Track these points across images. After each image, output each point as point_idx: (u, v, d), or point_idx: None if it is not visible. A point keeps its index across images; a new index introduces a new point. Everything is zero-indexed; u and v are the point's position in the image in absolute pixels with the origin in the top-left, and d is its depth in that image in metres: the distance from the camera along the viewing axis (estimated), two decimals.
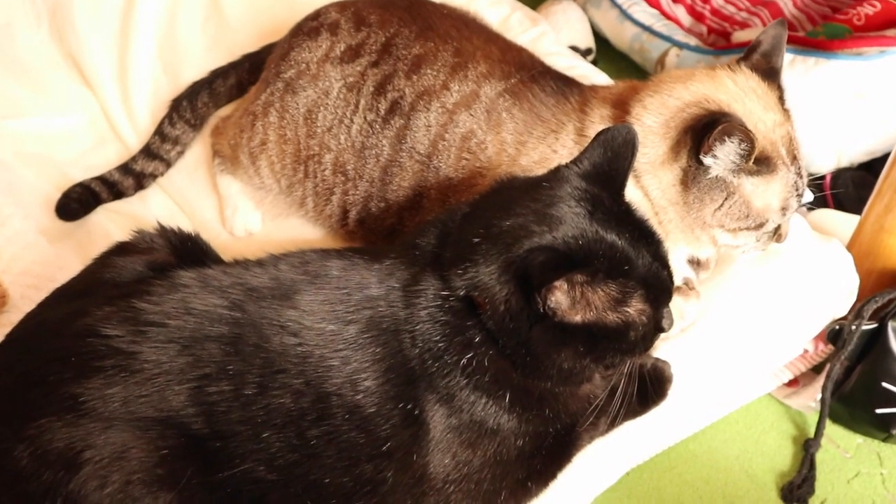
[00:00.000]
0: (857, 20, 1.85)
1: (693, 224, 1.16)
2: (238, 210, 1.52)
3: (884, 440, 1.43)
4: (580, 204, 0.96)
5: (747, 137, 1.07)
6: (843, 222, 1.52)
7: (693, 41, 1.98)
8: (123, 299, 1.00)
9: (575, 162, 1.01)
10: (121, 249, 1.17)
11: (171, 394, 0.93)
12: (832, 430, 1.45)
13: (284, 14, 1.60)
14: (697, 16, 2.12)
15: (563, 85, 1.29)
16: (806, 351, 1.45)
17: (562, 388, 1.02)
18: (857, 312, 1.35)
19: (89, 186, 1.57)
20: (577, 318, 0.93)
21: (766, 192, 1.13)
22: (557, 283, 0.90)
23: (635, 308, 0.95)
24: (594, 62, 2.06)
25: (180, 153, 1.65)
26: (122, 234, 1.22)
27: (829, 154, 1.73)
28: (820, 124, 1.69)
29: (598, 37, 2.15)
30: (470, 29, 1.39)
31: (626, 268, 0.93)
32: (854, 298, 1.38)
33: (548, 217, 0.94)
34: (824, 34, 1.84)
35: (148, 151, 1.63)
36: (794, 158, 1.16)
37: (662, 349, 1.24)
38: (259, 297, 0.99)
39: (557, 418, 1.03)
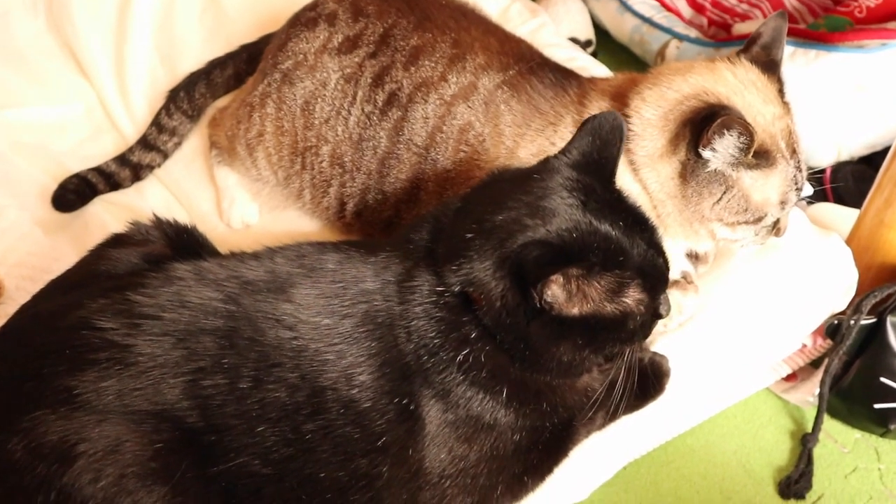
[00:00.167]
0: (858, 12, 1.84)
1: (691, 218, 1.15)
2: (235, 202, 1.51)
3: (882, 435, 1.43)
4: (572, 194, 0.95)
5: (746, 131, 1.07)
6: (842, 216, 1.51)
7: (693, 33, 1.97)
8: (118, 291, 0.99)
9: (564, 152, 1.00)
10: (116, 241, 1.16)
11: (166, 387, 0.92)
12: (830, 424, 1.45)
13: (283, 4, 1.59)
14: (698, 7, 2.11)
15: (562, 77, 1.28)
16: (804, 345, 1.44)
17: (561, 380, 1.01)
18: (855, 307, 1.34)
19: (86, 177, 1.56)
20: (575, 311, 0.92)
21: (764, 186, 1.13)
22: (553, 278, 0.89)
23: (632, 298, 0.94)
24: (594, 54, 2.05)
25: (177, 144, 1.64)
26: (118, 225, 1.21)
27: (829, 147, 1.72)
28: (820, 117, 1.68)
29: (599, 28, 2.13)
30: (468, 20, 1.39)
31: (622, 258, 0.93)
32: (853, 293, 1.37)
33: (540, 209, 0.93)
34: (825, 26, 1.83)
35: (145, 142, 1.62)
36: (794, 152, 1.15)
37: (660, 343, 1.23)
38: (254, 290, 0.98)
39: (555, 412, 1.02)
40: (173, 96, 1.64)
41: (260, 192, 1.50)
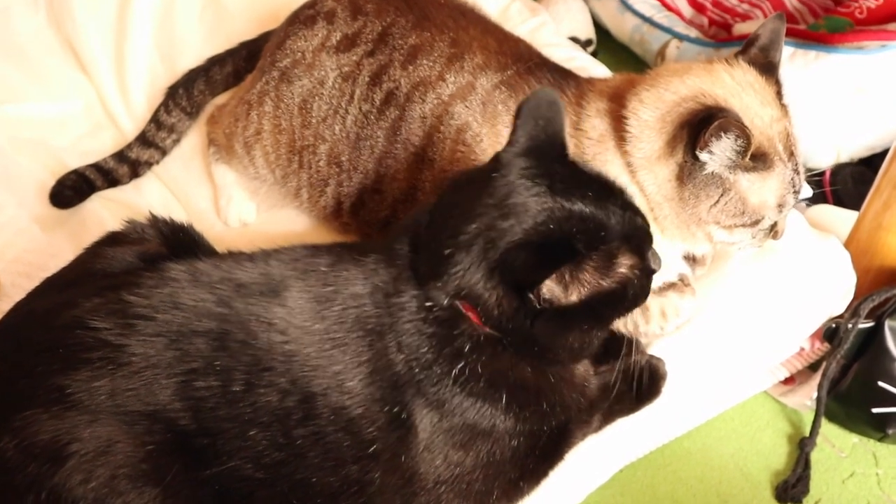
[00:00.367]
0: (858, 13, 1.84)
1: (689, 220, 1.15)
2: (232, 200, 1.51)
3: (880, 440, 1.43)
4: (535, 182, 0.93)
5: (744, 133, 1.06)
6: (841, 218, 1.50)
7: (694, 33, 1.96)
8: (113, 291, 0.99)
9: (511, 143, 0.98)
10: (112, 240, 1.16)
11: (159, 388, 0.92)
12: (828, 428, 1.44)
13: (283, 1, 1.58)
14: (699, 7, 2.10)
15: (560, 77, 1.27)
16: (802, 349, 1.43)
17: (562, 371, 1.01)
18: (853, 311, 1.34)
19: (84, 174, 1.56)
20: (574, 298, 0.91)
21: (762, 189, 1.12)
22: (546, 281, 0.89)
23: (625, 266, 0.93)
24: (594, 53, 2.05)
25: (176, 141, 1.64)
26: (116, 222, 1.21)
27: (828, 149, 1.71)
28: (820, 119, 1.67)
29: (599, 27, 2.13)
30: (467, 19, 1.38)
31: (603, 232, 0.92)
32: (851, 296, 1.37)
33: (510, 208, 0.92)
34: (825, 27, 1.82)
35: (143, 139, 1.62)
36: (792, 155, 1.14)
37: (657, 346, 1.23)
38: (247, 293, 0.98)
39: (553, 412, 1.02)
40: (172, 93, 1.63)
41: (258, 190, 1.50)
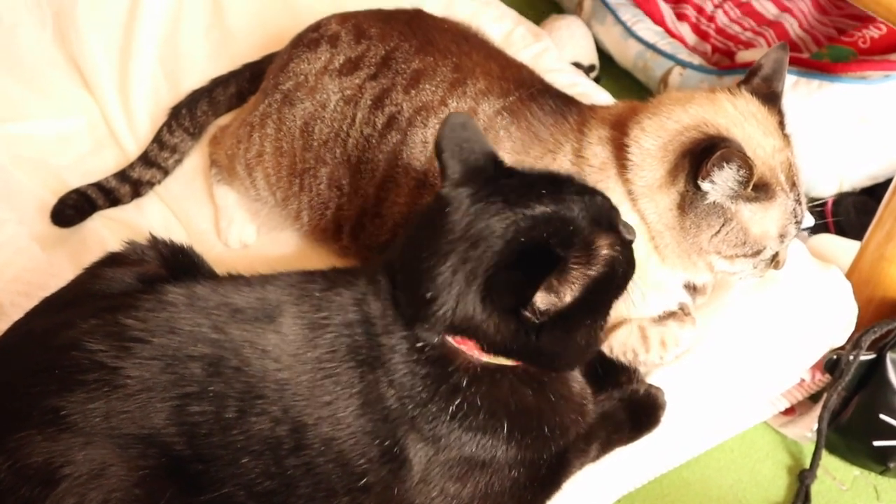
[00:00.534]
0: (862, 43, 1.84)
1: (689, 250, 1.14)
2: (233, 222, 1.51)
3: (881, 473, 1.41)
4: (490, 202, 0.92)
5: (746, 164, 1.06)
6: (843, 248, 1.50)
7: (697, 60, 1.97)
8: (110, 313, 0.99)
9: (446, 178, 0.97)
10: (111, 260, 1.16)
11: (153, 411, 0.92)
12: (828, 461, 1.43)
13: (288, 23, 1.59)
14: (702, 34, 2.11)
15: (563, 104, 1.27)
16: (803, 380, 1.43)
17: (581, 365, 1.03)
18: (855, 342, 1.33)
19: (85, 193, 1.55)
20: (569, 299, 0.91)
21: (763, 219, 1.12)
22: (537, 295, 0.88)
23: (605, 246, 0.93)
24: (597, 79, 2.05)
25: (178, 161, 1.64)
26: (116, 241, 1.21)
27: (830, 178, 1.71)
28: (822, 148, 1.68)
29: (602, 53, 2.13)
30: (470, 44, 1.38)
31: (571, 226, 0.92)
32: (853, 328, 1.36)
33: (475, 236, 0.91)
34: (829, 57, 1.83)
35: (146, 159, 1.62)
36: (794, 185, 1.14)
37: (656, 375, 1.22)
38: (243, 318, 0.98)
39: (554, 436, 1.01)
40: (175, 113, 1.63)
41: (258, 212, 1.49)
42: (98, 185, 1.57)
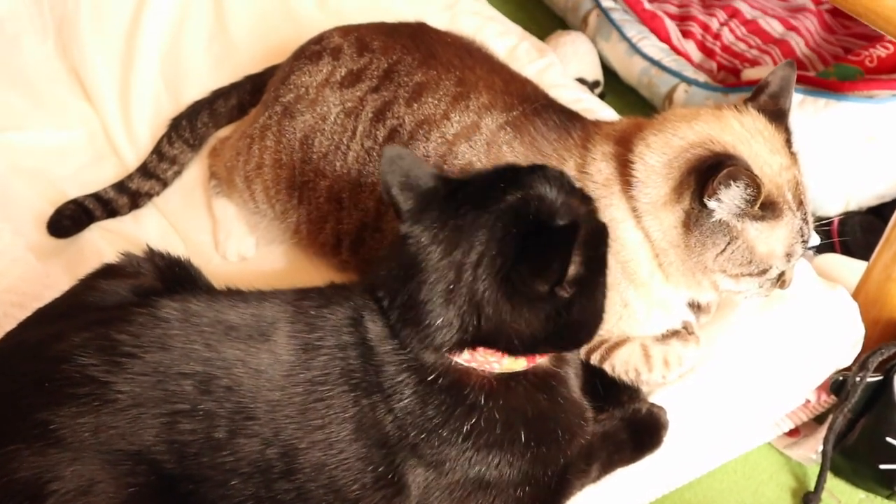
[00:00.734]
0: (869, 62, 1.84)
1: (694, 268, 1.12)
2: (231, 235, 1.49)
3: (887, 497, 1.40)
4: (461, 214, 0.93)
5: (753, 182, 1.04)
6: (849, 268, 1.49)
7: (702, 77, 1.96)
8: (103, 326, 0.98)
9: (403, 214, 0.97)
10: (106, 272, 1.15)
11: (143, 427, 0.91)
12: (834, 483, 1.41)
13: (290, 35, 1.59)
14: (708, 52, 2.10)
15: (566, 119, 1.26)
16: (808, 401, 1.41)
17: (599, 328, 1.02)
18: (861, 364, 1.32)
19: (83, 203, 1.54)
20: (573, 271, 0.91)
21: (770, 238, 1.10)
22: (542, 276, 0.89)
23: (582, 205, 0.96)
24: (602, 95, 2.04)
25: (177, 173, 1.63)
26: (113, 252, 1.20)
27: (837, 197, 1.70)
28: (829, 167, 1.67)
29: (607, 70, 2.13)
30: (474, 58, 1.37)
31: (549, 200, 0.93)
32: (859, 348, 1.34)
33: (467, 247, 0.92)
34: (835, 75, 1.82)
35: (145, 170, 1.61)
36: (801, 204, 1.12)
37: (659, 395, 1.21)
38: (237, 336, 0.97)
39: (563, 440, 1.00)
40: (175, 125, 1.63)
41: (257, 225, 1.48)
42: (96, 196, 1.56)
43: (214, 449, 0.91)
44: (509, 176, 0.96)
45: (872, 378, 1.32)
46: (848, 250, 1.64)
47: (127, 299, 1.07)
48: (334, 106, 1.34)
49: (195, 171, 1.64)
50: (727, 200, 1.07)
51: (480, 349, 0.94)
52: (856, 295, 1.37)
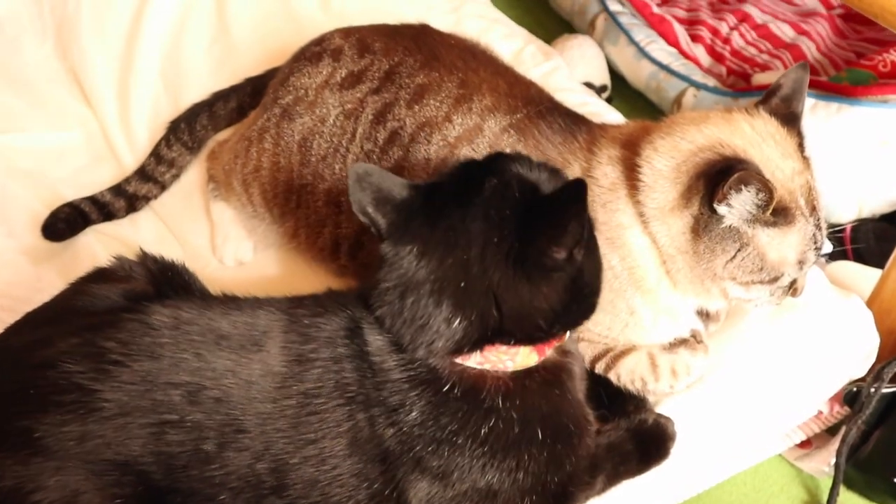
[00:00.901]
0: (882, 66, 1.82)
1: (703, 275, 1.09)
2: (229, 239, 1.47)
3: None
4: (444, 217, 0.92)
5: (765, 187, 1.01)
6: (863, 276, 1.46)
7: (711, 82, 1.94)
8: (91, 332, 0.96)
9: (382, 229, 0.95)
10: (98, 276, 1.13)
11: (130, 437, 0.89)
12: (847, 497, 1.39)
13: (292, 37, 1.57)
14: (717, 56, 2.08)
15: (571, 122, 1.24)
16: (820, 412, 1.39)
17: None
18: (876, 374, 1.30)
19: (79, 206, 1.52)
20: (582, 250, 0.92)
21: (782, 245, 1.07)
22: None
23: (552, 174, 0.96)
24: (609, 99, 2.02)
25: (175, 176, 1.61)
26: (109, 256, 1.18)
27: (850, 204, 1.68)
28: (841, 172, 1.65)
29: (615, 74, 2.11)
30: (477, 60, 1.35)
31: (531, 179, 0.93)
32: (873, 359, 1.32)
33: (469, 245, 0.90)
34: (848, 80, 1.80)
35: (142, 173, 1.59)
36: (814, 209, 1.09)
37: (666, 405, 1.19)
38: (228, 346, 0.95)
39: (574, 432, 0.98)
40: (174, 127, 1.61)
41: (255, 229, 1.46)
42: (92, 199, 1.54)
43: (203, 462, 0.89)
44: (476, 167, 0.95)
45: (887, 389, 1.30)
46: (861, 258, 1.62)
47: (117, 304, 1.06)
48: (333, 108, 1.32)
49: (194, 175, 1.62)
50: (738, 206, 1.04)
51: (493, 349, 0.92)
52: (870, 304, 1.34)
